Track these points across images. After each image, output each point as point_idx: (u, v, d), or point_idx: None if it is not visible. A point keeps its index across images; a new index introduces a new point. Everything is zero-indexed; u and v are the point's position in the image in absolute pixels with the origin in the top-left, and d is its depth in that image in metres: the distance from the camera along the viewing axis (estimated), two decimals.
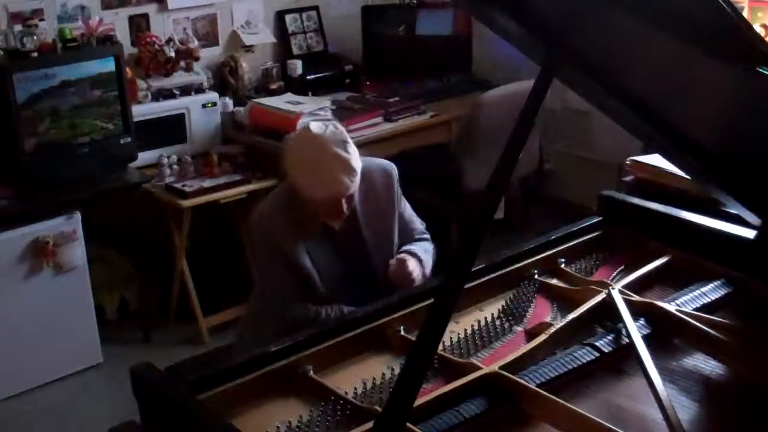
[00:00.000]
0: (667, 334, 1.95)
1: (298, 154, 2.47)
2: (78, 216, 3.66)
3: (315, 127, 2.45)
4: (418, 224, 2.74)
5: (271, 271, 2.52)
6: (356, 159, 2.42)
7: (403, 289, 2.38)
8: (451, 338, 1.96)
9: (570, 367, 1.81)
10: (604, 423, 1.59)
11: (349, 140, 2.44)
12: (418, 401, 1.59)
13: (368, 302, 2.46)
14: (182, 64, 4.26)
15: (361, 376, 1.84)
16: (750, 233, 2.13)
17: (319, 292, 2.49)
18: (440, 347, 1.84)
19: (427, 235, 2.74)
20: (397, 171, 2.66)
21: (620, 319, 1.93)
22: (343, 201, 2.43)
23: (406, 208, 2.70)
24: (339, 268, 2.54)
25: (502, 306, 2.13)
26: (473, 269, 1.97)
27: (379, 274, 2.56)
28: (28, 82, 3.55)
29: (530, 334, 1.98)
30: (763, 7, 4.03)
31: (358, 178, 2.42)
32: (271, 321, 2.50)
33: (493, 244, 1.92)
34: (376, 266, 2.57)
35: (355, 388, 1.80)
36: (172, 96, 4.15)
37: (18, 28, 3.73)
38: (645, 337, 1.88)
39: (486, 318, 2.06)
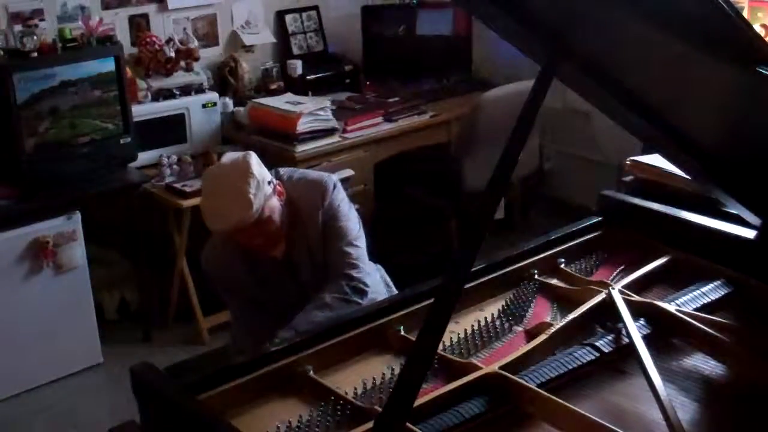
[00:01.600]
0: (667, 334, 1.95)
1: (202, 187, 2.47)
2: (78, 216, 3.66)
3: (225, 158, 2.42)
4: (344, 243, 2.48)
5: (231, 305, 2.61)
6: (256, 191, 2.31)
7: None
8: (451, 338, 1.96)
9: (570, 367, 1.81)
10: (604, 423, 1.59)
11: (253, 172, 2.32)
12: (418, 401, 1.59)
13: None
14: (182, 64, 4.26)
15: (361, 376, 1.84)
16: (750, 233, 2.13)
17: (277, 318, 2.41)
18: (440, 347, 1.84)
19: (353, 256, 2.48)
20: (332, 183, 2.54)
21: (620, 319, 1.93)
22: (251, 236, 2.37)
23: (333, 226, 2.49)
24: (291, 295, 2.50)
25: (502, 306, 2.13)
26: (473, 269, 1.98)
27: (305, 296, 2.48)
28: (28, 82, 3.55)
29: (530, 334, 1.98)
30: (763, 7, 4.03)
31: (254, 211, 2.30)
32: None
33: (493, 244, 1.92)
34: (307, 291, 2.49)
35: (355, 388, 1.80)
36: (172, 96, 4.15)
37: (18, 28, 3.73)
38: (645, 337, 1.88)
39: (486, 318, 2.06)
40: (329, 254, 2.49)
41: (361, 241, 2.54)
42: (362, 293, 2.43)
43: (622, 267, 2.25)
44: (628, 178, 2.74)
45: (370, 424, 1.58)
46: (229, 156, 2.42)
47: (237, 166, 2.35)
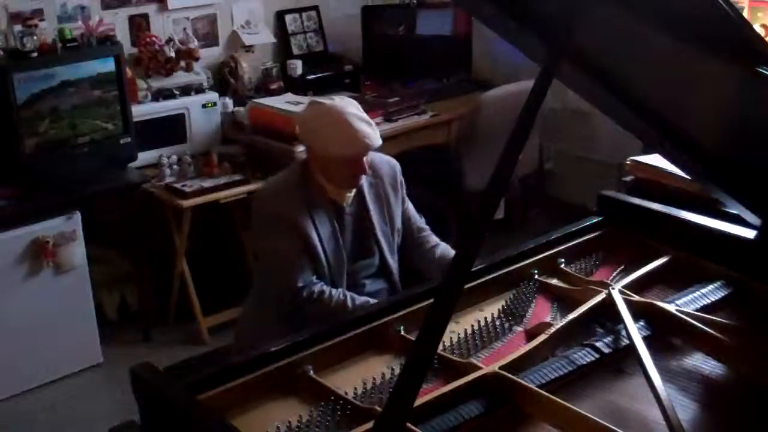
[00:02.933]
0: (667, 334, 1.95)
1: (322, 121, 2.54)
2: (78, 216, 3.66)
3: (324, 99, 2.61)
4: (419, 220, 2.84)
5: (281, 243, 2.55)
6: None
7: None
8: (451, 338, 1.96)
9: (570, 367, 1.81)
10: (604, 423, 1.59)
11: (358, 104, 2.59)
12: (418, 401, 1.59)
13: (368, 286, 2.63)
14: (182, 64, 4.26)
15: (361, 376, 1.84)
16: (750, 233, 2.13)
17: (322, 272, 2.56)
18: (440, 347, 1.84)
19: (428, 230, 2.84)
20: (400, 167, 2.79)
21: (620, 320, 1.93)
22: (365, 160, 2.53)
23: (409, 204, 2.80)
24: (342, 249, 2.61)
25: (502, 306, 2.13)
26: (473, 269, 1.98)
27: (381, 252, 2.67)
28: (28, 82, 3.55)
29: (530, 334, 1.98)
30: (763, 7, 4.03)
31: (378, 135, 2.54)
32: (275, 303, 2.55)
33: (493, 244, 1.92)
34: (381, 249, 2.68)
35: (355, 388, 1.80)
36: (172, 96, 4.15)
37: (18, 28, 3.73)
38: (645, 338, 1.88)
39: (486, 318, 2.05)
40: (409, 228, 2.76)
41: None
42: None
43: (622, 267, 2.25)
44: (628, 178, 2.75)
45: (370, 424, 1.58)
46: (324, 98, 2.64)
47: (346, 100, 2.59)
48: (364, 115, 2.55)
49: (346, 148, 2.50)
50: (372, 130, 2.53)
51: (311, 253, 2.55)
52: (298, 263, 2.53)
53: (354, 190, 2.64)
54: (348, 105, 2.55)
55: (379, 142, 2.54)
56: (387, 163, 2.76)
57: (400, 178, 2.76)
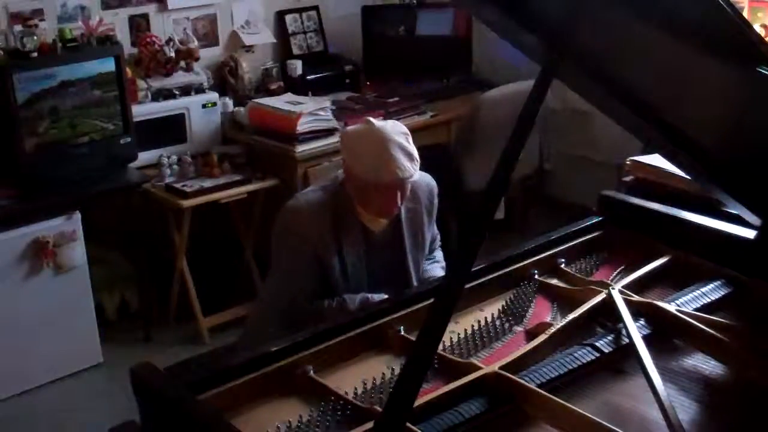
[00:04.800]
0: (667, 334, 1.95)
1: (362, 141, 2.46)
2: (78, 216, 3.66)
3: (376, 121, 2.52)
4: (437, 243, 2.81)
5: (294, 263, 2.50)
6: (415, 151, 2.47)
7: None
8: (451, 338, 1.96)
9: (570, 367, 1.81)
10: (604, 423, 1.59)
11: (408, 134, 2.49)
12: (418, 401, 1.59)
13: None
14: (182, 64, 4.26)
15: (361, 376, 1.84)
16: (750, 233, 2.13)
17: (338, 293, 2.50)
18: (440, 347, 1.84)
19: (438, 251, 2.82)
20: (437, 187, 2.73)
21: (620, 319, 1.93)
22: (399, 193, 2.45)
23: (435, 227, 2.76)
24: (365, 273, 2.54)
25: (502, 306, 2.13)
26: (473, 269, 1.98)
27: (408, 284, 2.59)
28: (28, 82, 3.55)
29: (530, 334, 1.98)
30: (763, 7, 4.03)
31: (418, 168, 2.46)
32: (276, 314, 2.51)
33: (493, 244, 1.92)
34: (409, 278, 2.61)
35: (355, 388, 1.80)
36: (172, 96, 4.15)
37: (18, 28, 3.73)
38: (645, 337, 1.88)
39: (486, 318, 2.06)
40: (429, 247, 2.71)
41: None
42: None
43: (622, 267, 2.25)
44: (628, 178, 2.75)
45: (370, 424, 1.58)
46: (376, 121, 2.52)
47: (397, 126, 2.50)
48: (409, 145, 2.44)
49: (377, 174, 2.40)
50: (410, 163, 2.41)
51: (328, 278, 2.49)
52: (302, 285, 2.48)
53: (387, 220, 2.55)
54: (395, 132, 2.45)
55: (414, 174, 2.43)
56: (426, 185, 2.67)
57: (435, 201, 2.69)
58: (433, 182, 2.71)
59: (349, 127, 2.68)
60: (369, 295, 2.50)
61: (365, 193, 2.46)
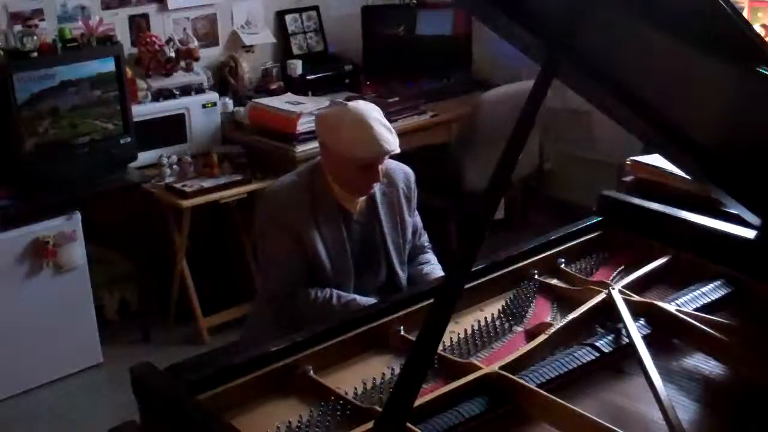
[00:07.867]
0: (667, 334, 1.95)
1: (343, 120, 2.49)
2: (78, 216, 3.66)
3: (349, 102, 2.58)
4: (423, 235, 2.82)
5: (277, 247, 2.53)
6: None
7: None
8: (451, 338, 1.96)
9: (570, 367, 1.81)
10: (604, 423, 1.59)
11: (381, 111, 2.56)
12: (418, 401, 1.59)
13: (372, 292, 2.57)
14: (182, 64, 4.26)
15: (361, 376, 1.84)
16: (750, 233, 2.13)
17: (325, 278, 2.53)
18: (440, 347, 1.84)
19: (429, 247, 2.84)
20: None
21: (620, 319, 1.93)
22: (380, 167, 2.50)
23: (418, 216, 2.77)
24: (348, 256, 2.57)
25: (502, 306, 2.13)
26: (473, 269, 1.98)
27: (391, 266, 2.64)
28: (28, 82, 3.55)
29: (530, 334, 1.98)
30: (763, 7, 4.03)
31: (397, 142, 2.50)
32: (274, 307, 2.53)
33: (493, 244, 1.92)
34: (390, 261, 2.64)
35: (355, 388, 1.80)
36: (172, 96, 4.15)
37: (18, 28, 3.73)
38: (645, 337, 1.88)
39: (486, 318, 2.05)
40: (415, 242, 2.75)
41: None
42: None
43: (622, 267, 2.25)
44: (628, 178, 2.74)
45: (370, 424, 1.58)
46: (344, 101, 2.61)
47: (370, 105, 2.58)
48: (386, 121, 2.52)
49: (364, 150, 2.45)
50: (392, 136, 2.49)
51: (313, 259, 2.52)
52: (290, 268, 2.51)
53: (364, 198, 2.60)
54: (371, 109, 2.52)
55: (397, 148, 2.50)
56: (402, 171, 2.71)
57: (413, 187, 2.72)
58: (409, 170, 2.75)
59: (324, 110, 2.74)
60: (357, 297, 2.52)
61: (345, 172, 2.51)
